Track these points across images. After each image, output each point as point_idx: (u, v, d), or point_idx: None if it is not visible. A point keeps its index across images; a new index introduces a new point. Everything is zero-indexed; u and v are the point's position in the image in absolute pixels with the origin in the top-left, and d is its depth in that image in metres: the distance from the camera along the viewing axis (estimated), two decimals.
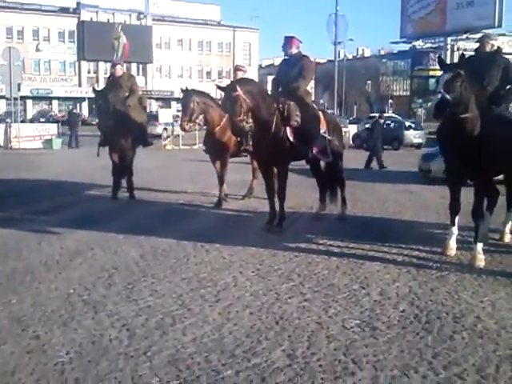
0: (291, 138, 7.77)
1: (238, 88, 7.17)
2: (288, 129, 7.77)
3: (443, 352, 4.06)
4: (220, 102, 9.51)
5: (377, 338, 4.30)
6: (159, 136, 27.99)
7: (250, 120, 7.36)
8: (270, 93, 8.43)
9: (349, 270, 6.12)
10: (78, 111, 60.51)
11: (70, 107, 57.44)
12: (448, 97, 5.81)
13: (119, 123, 10.32)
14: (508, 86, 6.93)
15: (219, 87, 7.95)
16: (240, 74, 10.82)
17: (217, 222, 8.78)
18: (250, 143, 8.73)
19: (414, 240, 7.39)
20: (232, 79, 10.97)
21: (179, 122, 11.20)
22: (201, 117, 9.79)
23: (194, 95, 9.72)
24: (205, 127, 10.41)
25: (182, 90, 9.83)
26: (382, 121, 20.93)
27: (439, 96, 5.88)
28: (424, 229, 8.33)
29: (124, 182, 11.03)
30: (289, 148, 7.81)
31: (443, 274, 6.03)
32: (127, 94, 10.75)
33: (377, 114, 26.69)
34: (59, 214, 9.13)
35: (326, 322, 4.64)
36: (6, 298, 5.18)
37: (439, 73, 6.45)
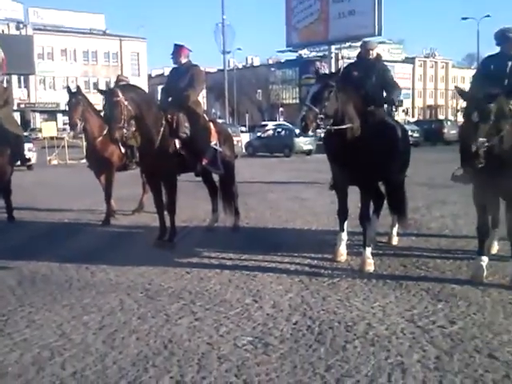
0: (180, 150, 7.54)
1: (120, 93, 6.85)
2: (177, 140, 7.54)
3: (336, 364, 3.96)
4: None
5: (269, 355, 4.14)
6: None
7: (132, 128, 7.07)
8: (158, 103, 8.13)
9: (241, 284, 5.95)
10: None
11: None
12: (316, 109, 5.76)
13: None
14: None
15: (100, 91, 7.45)
16: None
17: (104, 241, 8.33)
18: (137, 155, 8.49)
19: (306, 248, 7.37)
20: None
21: (69, 127, 10.53)
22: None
23: (81, 97, 9.49)
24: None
25: (69, 91, 9.62)
26: None
27: (305, 109, 5.82)
28: (316, 236, 8.36)
29: (2, 202, 10.27)
30: (177, 160, 7.57)
31: (335, 281, 6.01)
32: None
33: (268, 123, 27.04)
34: None
35: (217, 341, 4.42)
36: None
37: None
